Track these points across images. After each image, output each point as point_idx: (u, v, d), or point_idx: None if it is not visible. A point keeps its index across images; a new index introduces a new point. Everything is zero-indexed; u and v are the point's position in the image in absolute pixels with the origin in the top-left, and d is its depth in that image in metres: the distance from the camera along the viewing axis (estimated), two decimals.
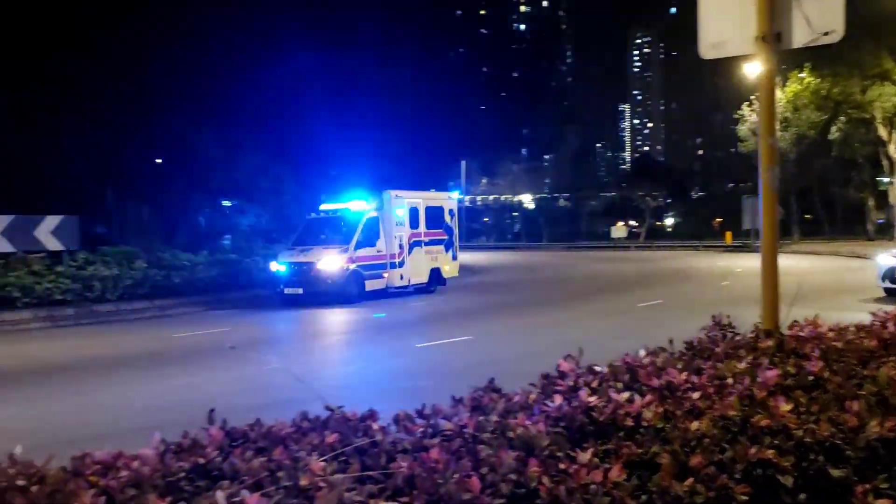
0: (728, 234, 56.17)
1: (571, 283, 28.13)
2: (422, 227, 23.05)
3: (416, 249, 22.69)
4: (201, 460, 2.33)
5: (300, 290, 20.20)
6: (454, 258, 24.64)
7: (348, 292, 20.30)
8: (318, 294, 19.99)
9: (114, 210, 32.59)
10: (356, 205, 22.02)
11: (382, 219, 21.88)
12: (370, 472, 2.14)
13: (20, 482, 2.55)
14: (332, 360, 12.95)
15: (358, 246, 20.89)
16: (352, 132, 39.67)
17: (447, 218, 24.26)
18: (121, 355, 13.64)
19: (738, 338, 3.80)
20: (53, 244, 20.18)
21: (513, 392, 2.81)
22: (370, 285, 21.22)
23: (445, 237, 24.05)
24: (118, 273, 20.03)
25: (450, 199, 25.35)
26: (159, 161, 39.68)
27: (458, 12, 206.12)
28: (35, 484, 2.52)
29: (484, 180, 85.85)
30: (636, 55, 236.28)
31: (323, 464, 2.09)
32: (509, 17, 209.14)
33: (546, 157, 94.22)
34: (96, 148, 34.10)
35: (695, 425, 2.41)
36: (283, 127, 37.32)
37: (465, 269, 34.10)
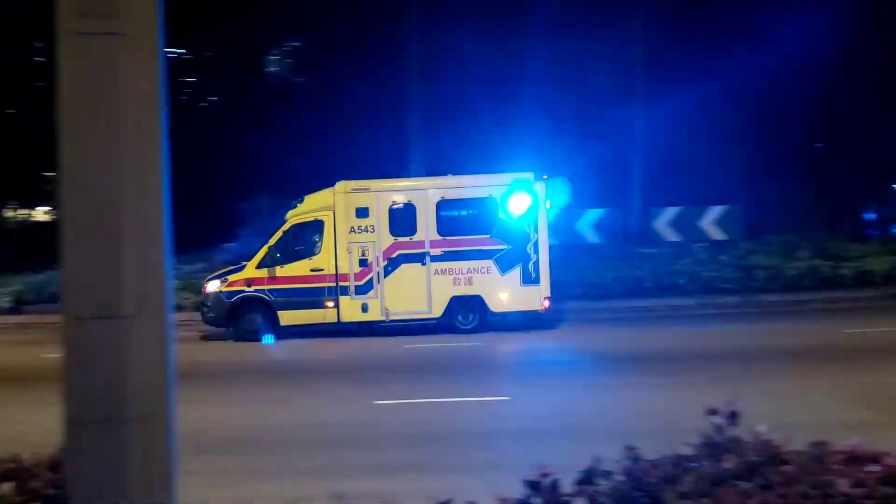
0: None
1: None
2: (425, 233, 15.76)
3: (406, 267, 15.75)
4: None
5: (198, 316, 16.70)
6: (528, 280, 15.77)
7: (236, 326, 15.69)
8: (208, 323, 16.26)
9: (774, 199, 32.25)
10: (307, 203, 16.28)
11: (334, 223, 15.73)
12: None
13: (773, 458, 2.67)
14: None
15: (264, 263, 15.70)
16: None
17: (507, 218, 15.84)
18: (780, 347, 13.61)
19: None
20: (716, 233, 21.87)
21: None
22: (290, 318, 15.61)
23: (499, 247, 15.79)
24: (779, 263, 19.93)
25: (517, 185, 15.89)
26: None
27: None
28: (783, 463, 2.61)
29: None
30: None
31: None
32: None
33: None
34: None
35: None
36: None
37: None
